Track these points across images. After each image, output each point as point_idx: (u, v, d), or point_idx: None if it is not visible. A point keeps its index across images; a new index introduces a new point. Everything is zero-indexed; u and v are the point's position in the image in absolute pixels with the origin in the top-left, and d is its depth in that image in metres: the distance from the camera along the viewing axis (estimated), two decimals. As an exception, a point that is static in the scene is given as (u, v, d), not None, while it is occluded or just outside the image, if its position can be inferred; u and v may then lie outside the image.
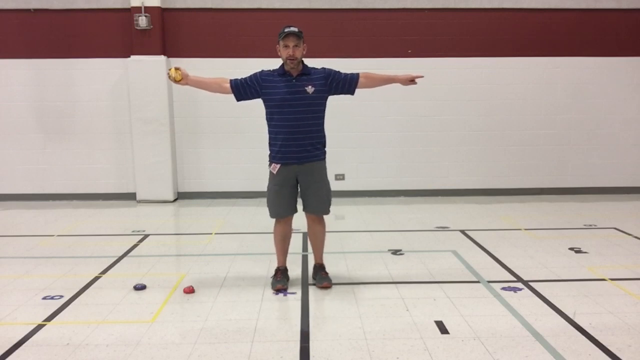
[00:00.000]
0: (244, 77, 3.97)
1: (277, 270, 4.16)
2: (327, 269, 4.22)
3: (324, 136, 3.98)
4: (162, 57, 7.32)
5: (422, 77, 3.97)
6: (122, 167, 7.63)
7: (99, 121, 7.54)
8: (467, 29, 7.50)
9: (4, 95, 7.46)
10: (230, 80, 3.96)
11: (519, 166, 7.80)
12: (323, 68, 3.95)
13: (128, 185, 7.65)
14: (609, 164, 7.81)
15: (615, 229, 5.79)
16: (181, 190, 7.75)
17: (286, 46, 3.75)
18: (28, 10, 7.31)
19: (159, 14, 7.28)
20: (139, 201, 7.53)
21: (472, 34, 7.51)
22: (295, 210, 4.08)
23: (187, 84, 3.93)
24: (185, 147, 7.66)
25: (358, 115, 7.44)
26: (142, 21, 7.17)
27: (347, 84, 3.94)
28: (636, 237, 5.44)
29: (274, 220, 4.14)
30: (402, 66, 7.46)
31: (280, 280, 4.04)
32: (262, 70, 3.97)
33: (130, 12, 7.25)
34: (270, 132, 3.96)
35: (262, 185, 7.72)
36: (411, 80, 3.96)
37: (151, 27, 7.23)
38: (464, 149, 7.73)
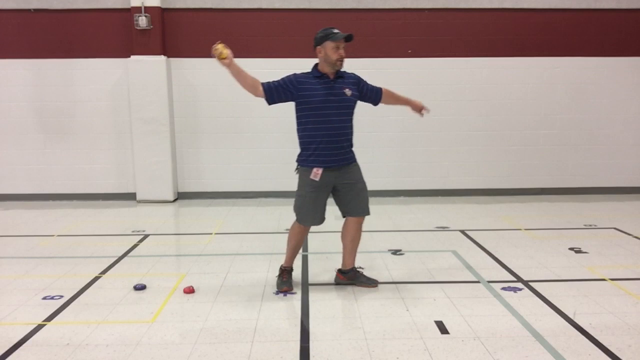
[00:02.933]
0: (276, 80, 3.84)
1: (284, 271, 4.08)
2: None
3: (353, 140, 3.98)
4: (162, 57, 7.33)
5: (429, 111, 4.23)
6: (122, 167, 7.64)
7: (99, 121, 7.54)
8: (467, 29, 7.51)
9: (4, 95, 7.47)
10: (263, 84, 3.79)
11: (519, 166, 7.80)
12: (352, 73, 3.95)
13: (128, 185, 7.65)
14: (609, 164, 7.81)
15: (615, 229, 5.79)
16: (181, 190, 7.75)
17: (337, 47, 3.73)
18: (28, 10, 7.31)
19: (159, 14, 7.29)
20: (139, 201, 7.53)
21: (472, 34, 7.52)
22: (324, 220, 3.98)
23: (229, 65, 3.76)
24: (185, 147, 7.66)
25: (358, 115, 7.32)
26: (142, 21, 7.17)
27: (373, 95, 4.00)
28: (636, 237, 5.44)
29: (295, 221, 4.00)
30: (402, 66, 7.48)
31: (286, 282, 4.02)
32: (296, 74, 3.84)
33: (130, 12, 7.25)
34: (304, 136, 3.81)
35: (262, 185, 7.87)
36: (420, 109, 4.15)
37: (151, 27, 7.23)
38: (464, 149, 7.73)
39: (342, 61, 3.75)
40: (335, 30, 3.73)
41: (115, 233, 5.91)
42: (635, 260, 4.70)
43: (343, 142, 3.81)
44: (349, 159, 3.88)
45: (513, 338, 3.17)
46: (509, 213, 6.65)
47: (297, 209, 3.92)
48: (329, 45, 3.71)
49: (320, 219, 3.94)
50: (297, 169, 3.89)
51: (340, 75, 3.83)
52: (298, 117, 3.84)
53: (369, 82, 4.01)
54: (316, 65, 3.84)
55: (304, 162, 3.82)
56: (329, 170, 3.78)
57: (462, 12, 7.46)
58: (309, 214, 3.88)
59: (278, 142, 7.63)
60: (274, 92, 3.80)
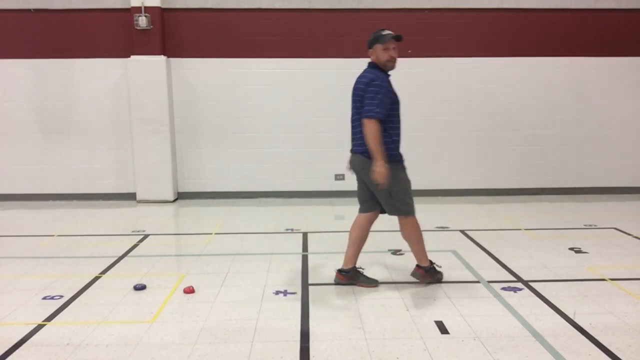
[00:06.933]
0: (379, 102, 3.69)
1: (433, 265, 4.11)
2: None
3: None
4: (162, 57, 7.32)
5: (382, 185, 3.69)
6: (122, 167, 7.63)
7: (98, 121, 7.54)
8: (467, 29, 7.50)
9: (4, 95, 7.46)
10: (377, 118, 3.65)
11: (519, 166, 7.80)
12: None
13: (128, 185, 7.65)
14: (609, 164, 7.81)
15: (615, 229, 5.79)
16: (181, 190, 7.75)
17: (391, 48, 3.84)
18: (28, 10, 7.31)
19: (159, 14, 7.29)
20: (139, 201, 7.53)
21: (472, 34, 7.52)
22: None
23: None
24: (185, 147, 7.66)
25: (358, 115, 7.43)
26: (142, 21, 7.17)
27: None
28: (636, 237, 5.43)
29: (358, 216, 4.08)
30: (402, 66, 7.40)
31: (441, 271, 4.15)
32: (381, 78, 3.79)
33: (130, 12, 7.25)
34: (391, 134, 3.81)
35: (262, 185, 7.87)
36: (376, 177, 3.67)
37: (151, 27, 7.23)
38: (464, 149, 7.73)
39: (393, 62, 3.86)
40: (385, 32, 3.83)
41: (115, 233, 5.91)
42: (635, 260, 4.70)
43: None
44: None
45: (513, 338, 3.17)
46: (509, 213, 6.65)
47: (406, 203, 3.89)
48: (378, 47, 3.83)
49: None
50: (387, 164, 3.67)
51: None
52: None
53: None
54: (374, 65, 3.89)
55: (394, 157, 3.79)
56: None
57: (462, 12, 7.46)
58: (412, 200, 3.94)
59: (278, 142, 7.63)
60: (386, 114, 3.73)
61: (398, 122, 3.88)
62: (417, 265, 4.09)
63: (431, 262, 4.10)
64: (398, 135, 3.88)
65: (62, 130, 7.54)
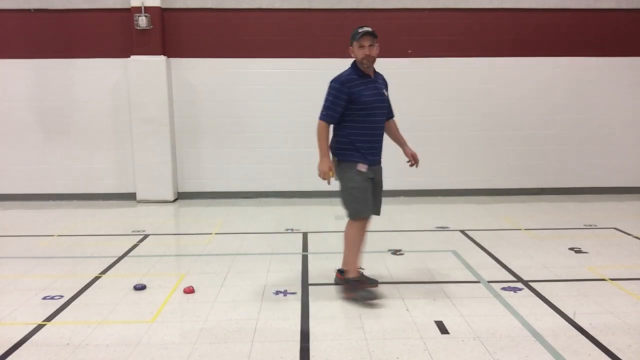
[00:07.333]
0: (329, 104, 3.74)
1: (360, 280, 3.85)
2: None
3: None
4: (162, 57, 7.32)
5: (417, 166, 4.13)
6: (122, 167, 7.63)
7: (98, 121, 7.54)
8: (467, 29, 7.50)
9: (4, 95, 7.46)
10: (324, 122, 3.75)
11: (519, 166, 7.80)
12: (382, 75, 3.97)
13: (128, 185, 7.65)
14: (609, 164, 7.81)
15: (615, 229, 5.79)
16: (181, 190, 7.74)
17: (362, 46, 3.69)
18: (28, 10, 7.31)
19: (159, 14, 7.28)
20: (139, 201, 7.53)
21: (472, 34, 7.51)
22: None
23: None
24: (185, 147, 7.66)
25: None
26: (142, 21, 7.17)
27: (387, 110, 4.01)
28: (636, 237, 5.44)
29: (356, 219, 3.84)
30: (402, 66, 7.48)
31: (369, 291, 3.79)
32: (339, 79, 3.75)
33: (130, 12, 7.25)
34: (350, 134, 3.76)
35: (262, 185, 7.86)
36: (411, 158, 4.09)
37: (151, 27, 7.23)
38: (464, 149, 7.73)
39: (368, 59, 3.71)
40: (360, 30, 3.72)
41: (115, 233, 5.91)
42: (635, 260, 4.70)
43: (381, 142, 3.89)
44: (380, 159, 3.94)
45: (513, 338, 3.17)
46: (509, 213, 6.65)
47: (352, 203, 3.80)
48: (355, 45, 3.75)
49: (372, 208, 3.90)
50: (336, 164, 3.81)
51: (377, 75, 3.89)
52: (343, 115, 3.77)
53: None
54: (355, 64, 3.81)
55: (348, 157, 3.78)
56: (371, 167, 3.84)
57: (462, 12, 7.46)
58: (365, 203, 3.79)
59: (278, 142, 7.63)
60: (338, 116, 3.76)
61: (365, 122, 3.73)
62: (338, 270, 4.05)
63: (359, 279, 3.85)
64: (363, 136, 3.75)
65: (62, 130, 7.54)
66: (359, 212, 3.80)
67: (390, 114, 4.07)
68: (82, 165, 7.61)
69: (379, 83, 3.86)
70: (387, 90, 3.95)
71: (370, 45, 3.69)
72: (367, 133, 3.78)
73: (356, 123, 3.76)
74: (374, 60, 3.77)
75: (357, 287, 3.80)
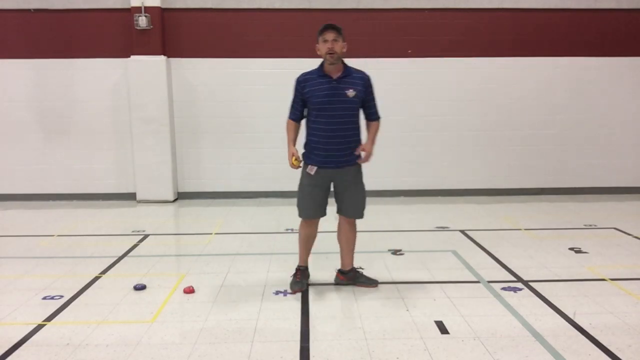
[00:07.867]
0: (291, 102, 3.88)
1: (298, 270, 4.06)
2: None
3: (360, 140, 3.86)
4: (162, 57, 7.32)
5: (366, 161, 3.92)
6: (122, 167, 7.63)
7: (99, 121, 7.54)
8: (467, 29, 7.50)
9: (4, 95, 7.46)
10: (291, 118, 3.90)
11: (519, 166, 7.80)
12: (364, 73, 3.81)
13: (128, 185, 7.65)
14: (609, 164, 7.81)
15: (615, 229, 5.79)
16: (181, 190, 7.74)
17: (325, 40, 3.63)
18: (28, 10, 7.31)
19: (159, 14, 7.28)
20: (139, 201, 7.53)
21: (472, 34, 7.51)
22: (325, 213, 3.97)
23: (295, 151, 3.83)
24: (185, 147, 7.66)
25: (358, 115, 7.43)
26: (142, 21, 7.16)
27: (366, 111, 3.88)
28: (636, 237, 5.44)
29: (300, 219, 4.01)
30: (402, 66, 7.48)
31: (300, 282, 3.98)
32: (300, 76, 3.79)
33: (130, 12, 7.25)
34: (308, 134, 3.83)
35: (262, 185, 7.87)
36: (360, 150, 3.84)
37: (151, 27, 7.23)
38: (464, 149, 7.73)
39: (332, 54, 3.62)
40: (325, 25, 3.68)
41: (115, 233, 5.91)
42: (635, 260, 4.70)
43: (342, 144, 3.75)
44: (349, 161, 3.81)
45: (513, 338, 3.17)
46: (509, 213, 6.65)
47: (298, 201, 3.96)
48: (319, 40, 3.69)
49: (315, 213, 3.92)
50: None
51: (347, 74, 3.73)
52: (307, 114, 3.86)
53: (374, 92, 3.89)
54: (322, 63, 3.77)
55: (305, 157, 3.87)
56: (326, 169, 3.78)
57: (462, 12, 7.46)
58: (304, 207, 3.92)
59: (278, 142, 7.60)
60: (299, 113, 3.87)
61: (318, 123, 3.73)
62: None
63: (296, 273, 4.04)
64: (317, 137, 3.74)
65: (62, 130, 7.54)
66: (300, 212, 3.95)
67: (373, 116, 3.91)
68: (82, 165, 7.61)
69: (344, 83, 3.69)
70: (366, 89, 3.76)
71: (334, 40, 3.62)
72: (321, 135, 3.73)
73: (311, 123, 3.82)
74: (339, 57, 3.67)
75: (293, 282, 4.01)
